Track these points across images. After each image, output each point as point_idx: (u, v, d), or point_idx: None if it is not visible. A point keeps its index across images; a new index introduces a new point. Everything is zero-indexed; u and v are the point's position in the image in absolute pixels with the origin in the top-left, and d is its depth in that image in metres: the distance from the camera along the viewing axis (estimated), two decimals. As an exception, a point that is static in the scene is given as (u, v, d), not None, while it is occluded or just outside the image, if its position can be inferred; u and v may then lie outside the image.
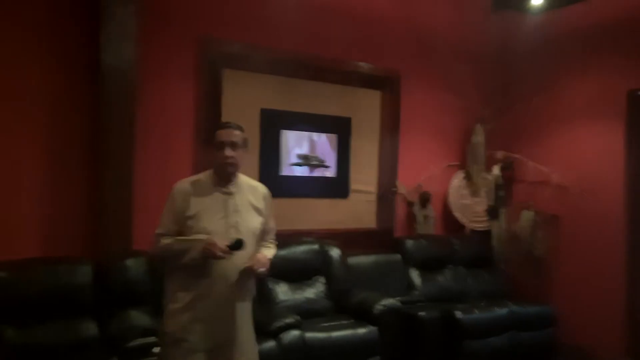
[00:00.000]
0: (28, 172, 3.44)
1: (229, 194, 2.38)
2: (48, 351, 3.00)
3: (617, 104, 4.57)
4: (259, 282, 3.89)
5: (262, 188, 2.56)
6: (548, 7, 4.54)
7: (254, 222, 2.44)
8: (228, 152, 2.35)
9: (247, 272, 2.37)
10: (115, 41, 3.45)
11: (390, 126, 4.89)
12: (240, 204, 2.41)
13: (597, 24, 4.66)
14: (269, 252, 2.54)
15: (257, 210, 2.47)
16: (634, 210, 4.54)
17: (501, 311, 4.32)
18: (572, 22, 4.76)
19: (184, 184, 2.41)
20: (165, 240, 2.36)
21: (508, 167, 5.21)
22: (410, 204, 5.02)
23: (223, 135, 2.38)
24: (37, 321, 3.05)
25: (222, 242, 2.27)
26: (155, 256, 2.38)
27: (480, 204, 5.23)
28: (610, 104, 4.63)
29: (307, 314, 3.80)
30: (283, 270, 3.94)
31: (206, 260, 2.28)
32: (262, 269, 2.36)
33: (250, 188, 2.50)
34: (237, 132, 2.41)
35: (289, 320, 3.51)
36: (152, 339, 2.91)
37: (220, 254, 2.25)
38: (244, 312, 2.46)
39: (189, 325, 2.33)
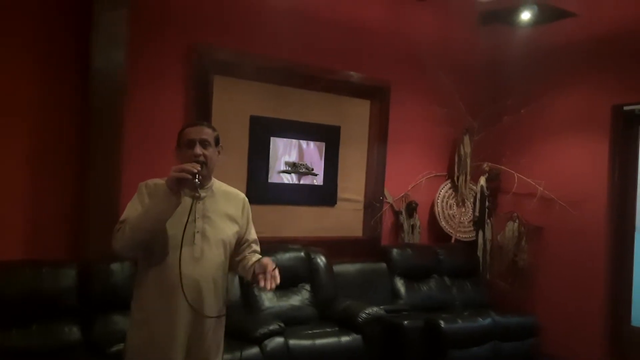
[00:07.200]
0: (13, 174, 3.42)
1: (198, 197, 2.11)
2: (30, 355, 2.98)
3: (602, 118, 4.66)
4: (245, 289, 3.96)
5: (239, 195, 2.33)
6: (536, 22, 4.60)
7: (226, 230, 2.20)
8: (198, 149, 2.12)
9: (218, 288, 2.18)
10: (105, 46, 3.45)
11: (379, 136, 4.93)
12: (211, 210, 2.18)
13: (584, 39, 4.73)
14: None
15: (232, 218, 2.23)
16: (617, 223, 4.62)
17: (484, 321, 4.35)
18: (560, 37, 4.83)
19: (151, 182, 2.18)
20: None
21: (494, 178, 5.27)
22: (397, 213, 5.06)
23: (192, 132, 2.16)
24: (19, 324, 3.03)
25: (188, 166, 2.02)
26: (124, 241, 2.04)
27: (466, 215, 5.28)
28: (596, 118, 4.71)
29: (292, 321, 3.81)
30: (269, 277, 3.95)
31: (180, 189, 2.00)
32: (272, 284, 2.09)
33: (224, 194, 2.27)
34: (209, 130, 2.20)
35: (273, 327, 3.51)
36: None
37: (189, 167, 1.99)
38: (216, 333, 2.22)
39: (144, 347, 2.12)
